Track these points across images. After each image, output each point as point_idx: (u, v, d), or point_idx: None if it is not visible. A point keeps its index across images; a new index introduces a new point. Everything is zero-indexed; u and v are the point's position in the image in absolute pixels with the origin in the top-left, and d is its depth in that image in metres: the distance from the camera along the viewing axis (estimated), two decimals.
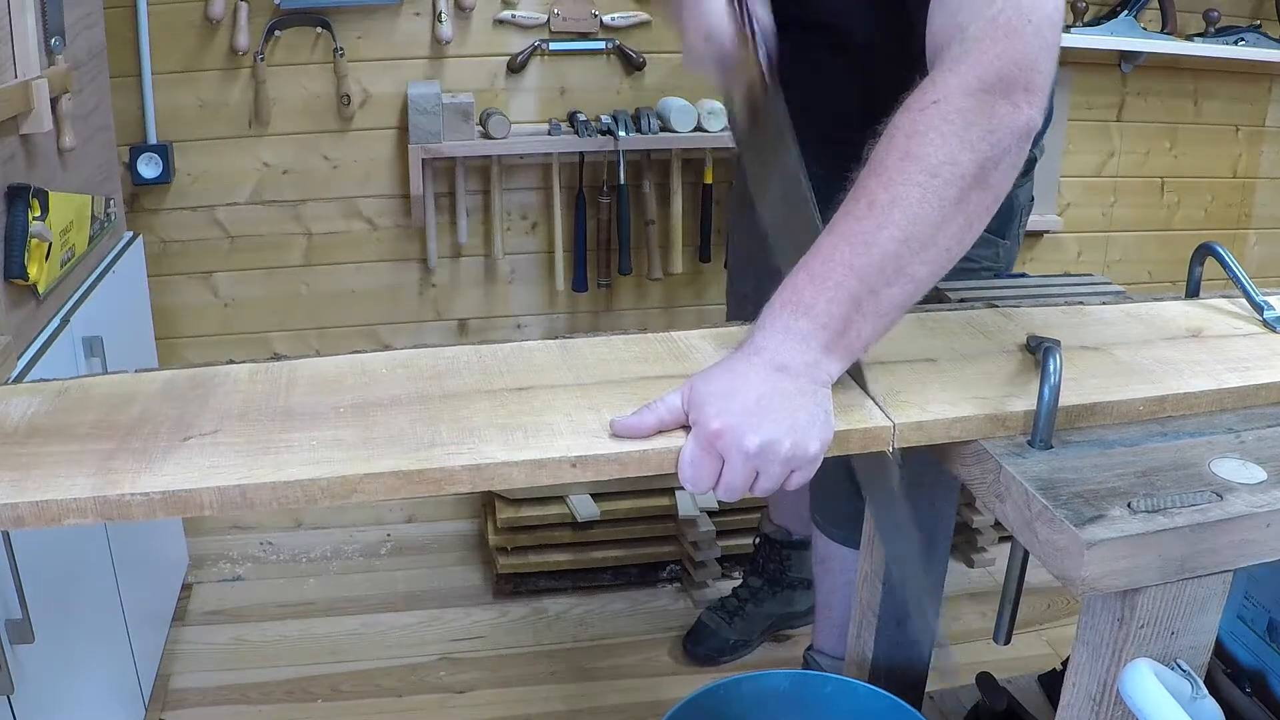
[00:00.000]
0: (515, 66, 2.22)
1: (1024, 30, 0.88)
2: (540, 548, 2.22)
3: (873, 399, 0.93)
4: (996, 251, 1.43)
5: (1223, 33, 2.36)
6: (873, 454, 0.94)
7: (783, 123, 1.11)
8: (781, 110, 1.12)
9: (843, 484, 1.37)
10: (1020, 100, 0.88)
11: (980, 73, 0.88)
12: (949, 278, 0.93)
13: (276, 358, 1.02)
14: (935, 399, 0.95)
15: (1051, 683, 1.42)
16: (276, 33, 2.12)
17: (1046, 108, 1.44)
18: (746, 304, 1.57)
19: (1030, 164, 1.42)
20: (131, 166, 2.10)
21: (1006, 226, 1.43)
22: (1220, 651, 1.23)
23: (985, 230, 0.94)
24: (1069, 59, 2.37)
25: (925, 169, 0.85)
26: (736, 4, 1.14)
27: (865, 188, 0.87)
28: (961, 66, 0.88)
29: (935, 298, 1.28)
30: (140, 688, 1.80)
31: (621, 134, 2.15)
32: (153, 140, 2.12)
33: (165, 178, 2.14)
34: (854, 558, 1.55)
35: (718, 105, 2.20)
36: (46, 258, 1.45)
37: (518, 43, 2.22)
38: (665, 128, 2.19)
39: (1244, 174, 2.66)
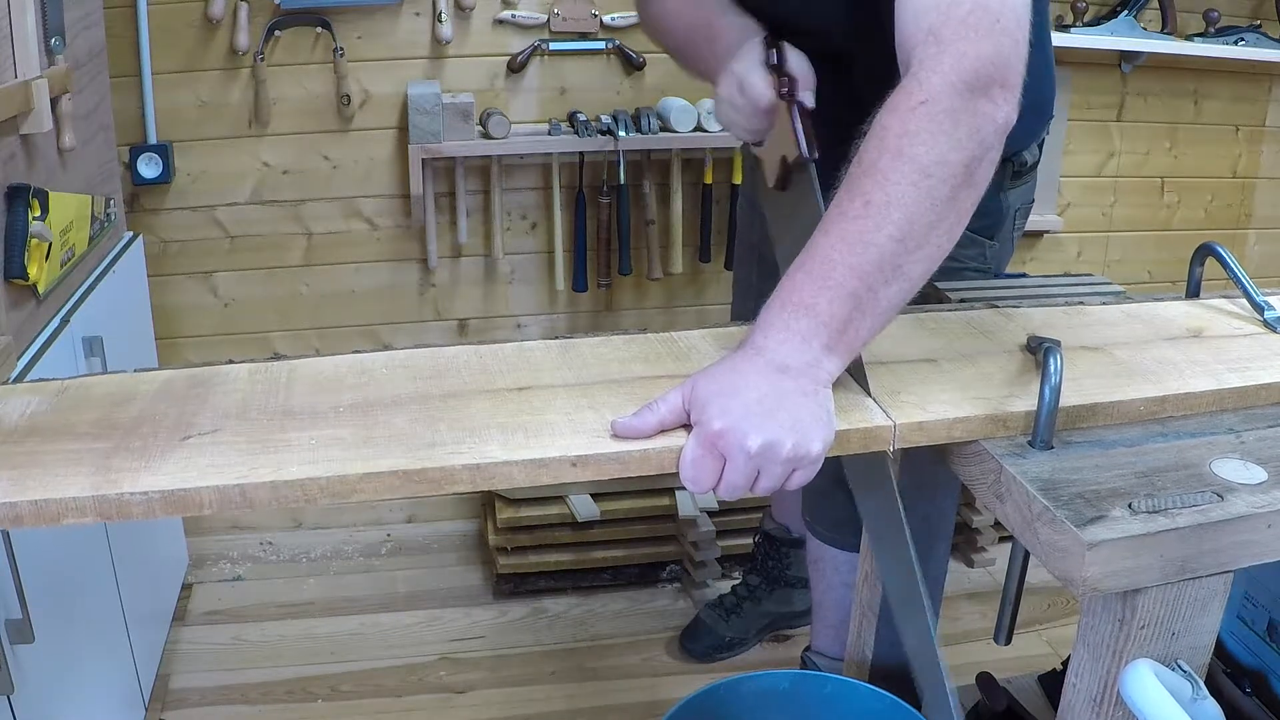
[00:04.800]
0: (515, 66, 2.22)
1: (994, 29, 0.90)
2: (540, 548, 2.22)
3: (873, 399, 0.93)
4: (983, 252, 1.43)
5: (1223, 33, 2.36)
6: (866, 455, 0.94)
7: (813, 192, 1.09)
8: (814, 179, 1.09)
9: (834, 487, 1.37)
10: (998, 97, 0.90)
11: (961, 72, 0.89)
12: (935, 276, 0.93)
13: (276, 357, 1.02)
14: (936, 399, 0.95)
15: (1051, 683, 1.42)
16: (276, 33, 2.12)
17: (1049, 112, 1.45)
18: (751, 295, 1.57)
19: (1022, 167, 1.42)
20: (131, 166, 2.10)
21: (995, 228, 1.43)
22: (1221, 651, 1.22)
23: (971, 231, 0.94)
24: (1069, 59, 2.37)
25: (919, 169, 0.86)
26: (774, 62, 1.13)
27: (860, 188, 0.87)
28: (943, 66, 0.89)
29: (935, 298, 1.28)
30: (140, 688, 1.80)
31: (621, 134, 2.15)
32: (153, 140, 2.12)
33: (165, 178, 2.14)
34: (846, 559, 1.56)
35: None
36: (46, 258, 1.44)
37: (518, 43, 2.22)
38: (665, 128, 2.19)
39: (1244, 174, 2.66)
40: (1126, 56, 2.43)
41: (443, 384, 0.96)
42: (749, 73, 1.13)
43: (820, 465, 0.86)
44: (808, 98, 1.12)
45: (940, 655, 1.01)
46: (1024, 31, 0.92)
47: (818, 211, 1.06)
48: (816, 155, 1.08)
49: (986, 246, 1.44)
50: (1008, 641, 1.13)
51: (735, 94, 1.15)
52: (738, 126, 1.18)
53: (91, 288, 1.67)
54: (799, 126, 1.09)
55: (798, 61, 1.13)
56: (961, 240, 0.92)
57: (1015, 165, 1.40)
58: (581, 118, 2.20)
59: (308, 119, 2.20)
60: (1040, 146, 1.46)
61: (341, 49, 2.13)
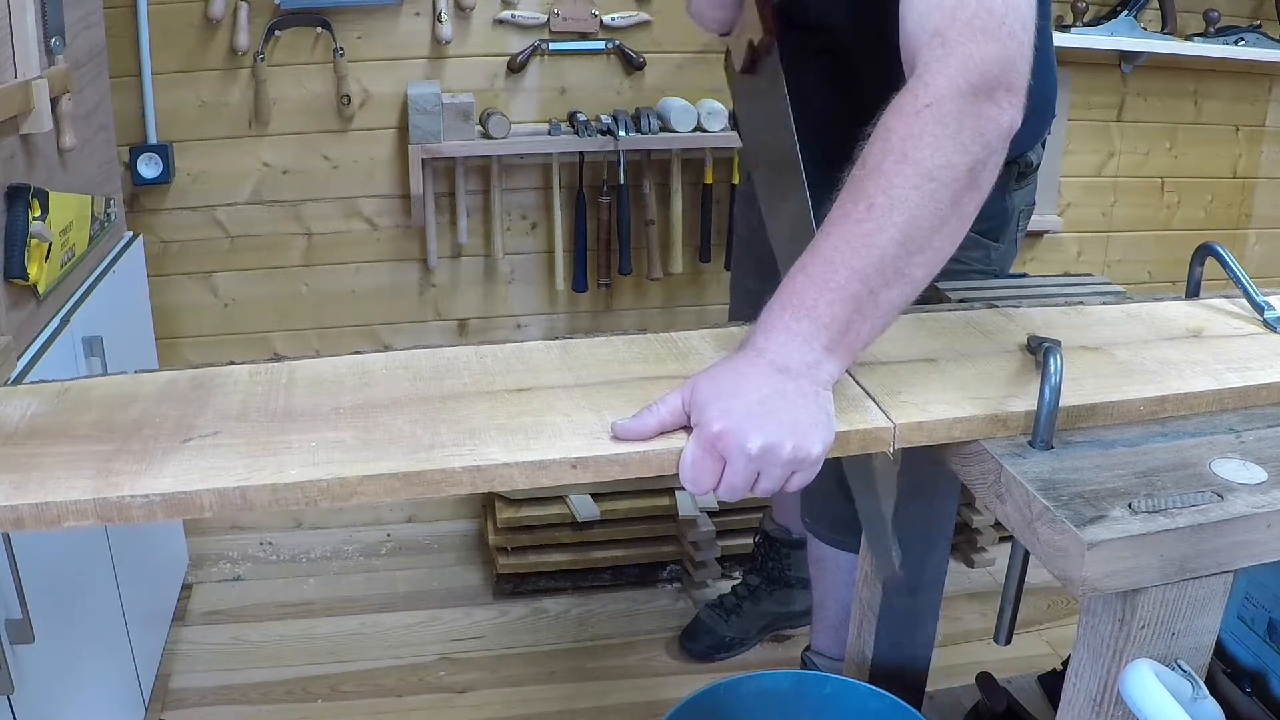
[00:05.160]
0: (515, 66, 2.22)
1: (999, 32, 0.90)
2: (540, 548, 2.22)
3: (873, 399, 0.93)
4: (988, 254, 1.43)
5: (1223, 33, 2.36)
6: (861, 456, 0.94)
7: (778, 77, 1.16)
8: (778, 64, 1.17)
9: (833, 487, 1.38)
10: (1003, 101, 0.90)
11: (967, 75, 0.88)
12: (938, 278, 0.93)
13: (276, 358, 1.02)
14: (936, 399, 0.94)
15: (1051, 683, 1.42)
16: (276, 33, 2.12)
17: (1052, 112, 1.45)
18: (749, 298, 1.57)
19: (1027, 168, 1.42)
20: (131, 166, 2.10)
21: (1000, 230, 1.43)
22: (1221, 652, 1.22)
23: (976, 233, 0.94)
24: (1069, 59, 2.37)
25: (923, 173, 0.86)
26: None
27: (863, 190, 0.87)
28: (949, 68, 0.89)
29: (935, 298, 1.28)
30: (140, 688, 1.80)
31: (621, 134, 2.15)
32: (153, 140, 2.12)
33: (165, 178, 2.14)
34: (847, 559, 1.56)
35: (718, 105, 2.20)
36: (46, 258, 1.45)
37: (518, 43, 2.22)
38: (665, 128, 2.19)
39: (1244, 174, 2.66)
40: (1126, 56, 2.42)
41: (443, 385, 0.96)
42: None
43: (820, 467, 0.86)
44: None
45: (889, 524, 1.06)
46: (1029, 34, 0.92)
47: (783, 91, 1.15)
48: (774, 37, 1.18)
49: (991, 248, 1.44)
50: (1008, 641, 1.13)
51: None
52: (707, 16, 1.25)
53: (91, 288, 1.67)
54: (762, 8, 1.18)
55: None
56: (966, 242, 0.92)
57: (1020, 166, 1.40)
58: (581, 118, 2.20)
59: (308, 119, 2.20)
60: (1043, 147, 1.46)
61: (341, 49, 2.13)
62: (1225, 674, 1.20)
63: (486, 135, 2.15)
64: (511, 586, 2.25)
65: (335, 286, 2.33)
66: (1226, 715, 0.84)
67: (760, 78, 1.20)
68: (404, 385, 0.96)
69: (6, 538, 1.20)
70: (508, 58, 2.22)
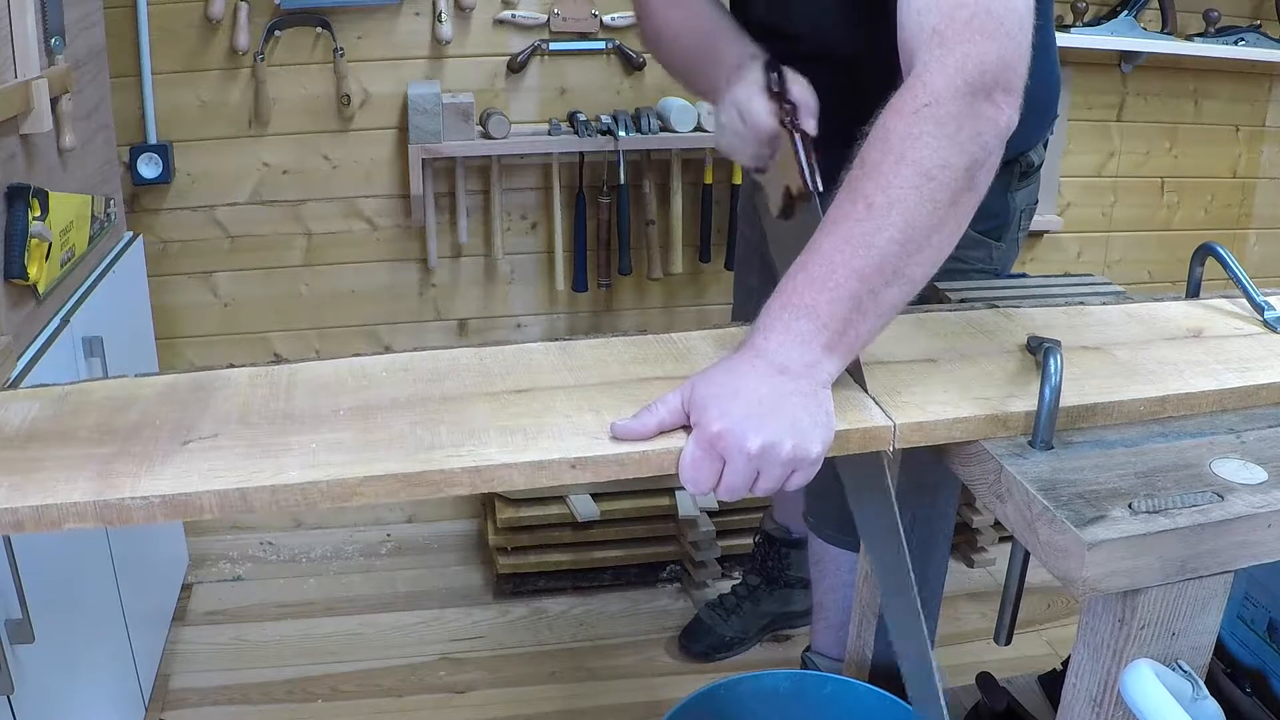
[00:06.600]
0: (515, 66, 2.22)
1: (997, 32, 0.90)
2: (540, 548, 2.22)
3: (873, 399, 0.93)
4: (989, 253, 1.43)
5: (1223, 33, 2.36)
6: (861, 460, 0.94)
7: (818, 222, 1.04)
8: (817, 207, 1.04)
9: (835, 486, 1.38)
10: (1001, 101, 0.90)
11: (966, 75, 0.89)
12: (940, 277, 0.93)
13: (276, 360, 1.02)
14: (936, 399, 0.95)
15: (1051, 683, 1.42)
16: (276, 33, 2.12)
17: (1054, 112, 1.45)
18: (753, 297, 1.57)
19: (1029, 168, 1.42)
20: (131, 166, 2.10)
21: (1001, 230, 1.43)
22: (1221, 652, 1.23)
23: (977, 232, 0.94)
24: (1069, 59, 2.37)
25: (921, 172, 0.86)
26: (776, 89, 1.10)
27: (862, 190, 0.87)
28: (947, 68, 0.89)
29: (936, 298, 1.28)
30: (140, 688, 1.80)
31: (621, 134, 2.15)
32: (153, 140, 2.12)
33: (165, 178, 2.14)
34: (848, 559, 1.56)
35: None
36: (46, 258, 1.45)
37: (518, 43, 2.22)
38: (665, 128, 2.19)
39: (1244, 174, 2.66)
40: (1126, 56, 2.42)
41: (443, 386, 0.96)
42: (750, 99, 1.10)
43: (820, 466, 0.86)
44: (810, 125, 1.08)
45: (935, 666, 1.01)
46: (1026, 34, 0.92)
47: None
48: (821, 188, 1.04)
49: (993, 248, 1.44)
50: (1008, 641, 1.13)
51: (736, 121, 1.12)
52: (739, 154, 1.15)
53: (91, 288, 1.67)
54: (803, 157, 1.06)
55: (799, 88, 1.10)
56: (967, 241, 0.92)
57: (1022, 166, 1.40)
58: (581, 118, 2.20)
59: (308, 119, 2.20)
60: (1045, 147, 1.46)
61: (341, 49, 2.13)
62: (1225, 674, 1.20)
63: (486, 135, 2.15)
64: (511, 586, 2.25)
65: (335, 286, 2.33)
66: (1226, 715, 0.84)
67: (799, 224, 1.08)
68: (404, 386, 0.96)
69: (7, 539, 1.20)
70: (508, 58, 2.22)
